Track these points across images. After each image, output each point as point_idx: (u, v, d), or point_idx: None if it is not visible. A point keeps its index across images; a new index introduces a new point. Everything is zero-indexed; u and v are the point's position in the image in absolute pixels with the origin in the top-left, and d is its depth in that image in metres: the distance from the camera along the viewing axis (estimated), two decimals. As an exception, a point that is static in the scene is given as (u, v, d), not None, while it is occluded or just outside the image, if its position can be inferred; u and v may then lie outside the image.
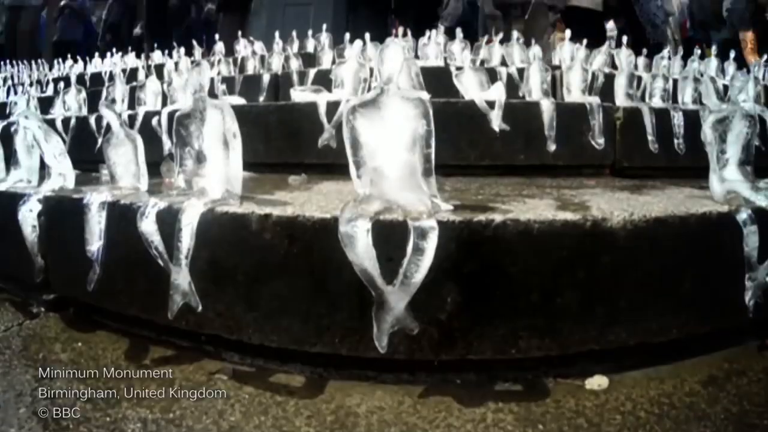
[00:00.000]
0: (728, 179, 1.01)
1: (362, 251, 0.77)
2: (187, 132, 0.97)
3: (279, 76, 2.33)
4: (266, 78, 2.33)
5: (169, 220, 0.93)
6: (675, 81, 1.86)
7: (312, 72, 2.31)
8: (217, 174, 0.96)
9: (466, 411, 0.79)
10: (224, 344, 0.94)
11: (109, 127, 1.12)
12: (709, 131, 1.01)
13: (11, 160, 1.34)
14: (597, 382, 0.86)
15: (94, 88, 2.73)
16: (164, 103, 2.01)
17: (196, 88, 0.96)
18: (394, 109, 0.80)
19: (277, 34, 3.09)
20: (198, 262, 0.93)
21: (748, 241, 0.92)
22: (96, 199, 1.02)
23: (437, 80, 2.08)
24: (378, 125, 0.81)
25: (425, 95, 1.53)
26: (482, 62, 2.50)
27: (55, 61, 4.27)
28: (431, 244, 0.77)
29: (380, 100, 0.80)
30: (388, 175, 0.83)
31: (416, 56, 2.72)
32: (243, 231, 0.90)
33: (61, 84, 2.67)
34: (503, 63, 2.47)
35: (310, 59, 2.88)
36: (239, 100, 1.85)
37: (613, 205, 0.98)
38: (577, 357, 0.88)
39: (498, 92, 1.50)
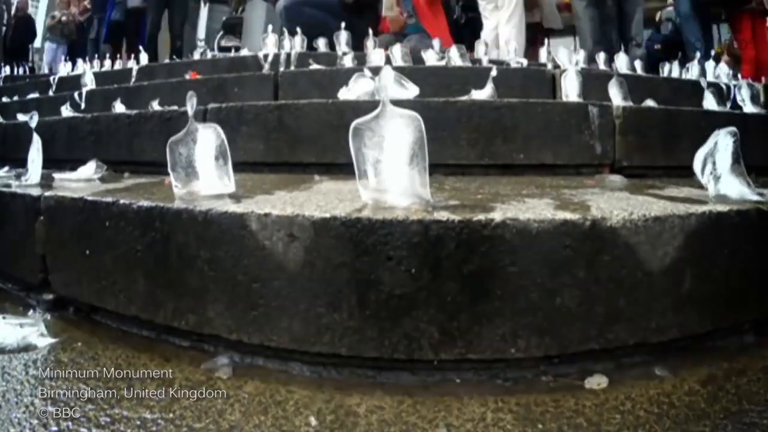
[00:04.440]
0: (727, 195, 1.03)
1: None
2: (181, 152, 1.07)
3: (279, 76, 2.32)
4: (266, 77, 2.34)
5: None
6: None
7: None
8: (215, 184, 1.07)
9: (465, 410, 0.79)
10: (224, 344, 0.95)
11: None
12: (698, 164, 1.05)
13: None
14: (596, 381, 0.86)
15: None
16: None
17: (191, 112, 1.05)
18: (391, 126, 0.89)
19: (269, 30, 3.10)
20: (197, 262, 0.93)
21: None
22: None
23: (438, 79, 2.09)
24: (378, 141, 0.90)
25: (416, 90, 1.57)
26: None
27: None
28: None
29: (379, 118, 0.89)
30: (389, 184, 0.91)
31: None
32: (242, 230, 0.90)
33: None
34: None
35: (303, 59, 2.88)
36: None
37: (613, 204, 0.98)
38: (576, 356, 0.89)
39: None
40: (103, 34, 6.02)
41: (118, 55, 4.20)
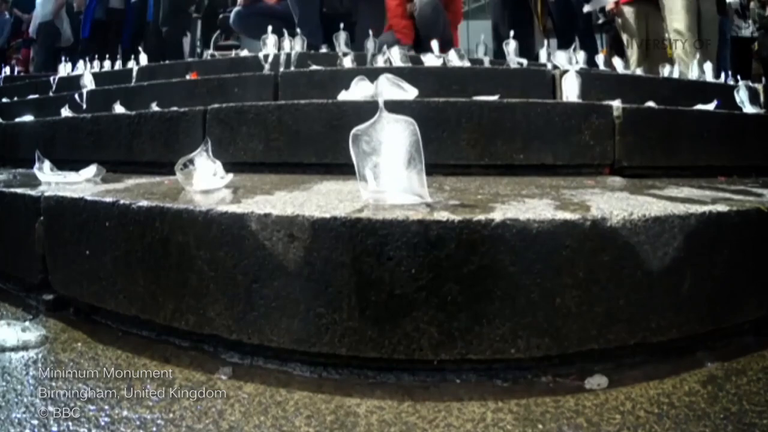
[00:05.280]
0: None
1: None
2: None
3: (279, 76, 2.32)
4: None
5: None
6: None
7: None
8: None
9: (465, 411, 0.79)
10: (224, 344, 0.95)
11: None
12: None
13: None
14: (597, 381, 0.86)
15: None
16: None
17: None
18: (387, 131, 0.93)
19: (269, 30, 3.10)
20: (197, 262, 0.93)
21: None
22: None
23: (437, 79, 2.09)
24: (375, 146, 0.94)
25: (415, 92, 1.58)
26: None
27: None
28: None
29: (376, 124, 0.93)
30: (389, 186, 0.94)
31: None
32: (242, 231, 0.90)
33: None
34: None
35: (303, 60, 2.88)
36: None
37: (613, 204, 0.98)
38: (576, 356, 0.89)
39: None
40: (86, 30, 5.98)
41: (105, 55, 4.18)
